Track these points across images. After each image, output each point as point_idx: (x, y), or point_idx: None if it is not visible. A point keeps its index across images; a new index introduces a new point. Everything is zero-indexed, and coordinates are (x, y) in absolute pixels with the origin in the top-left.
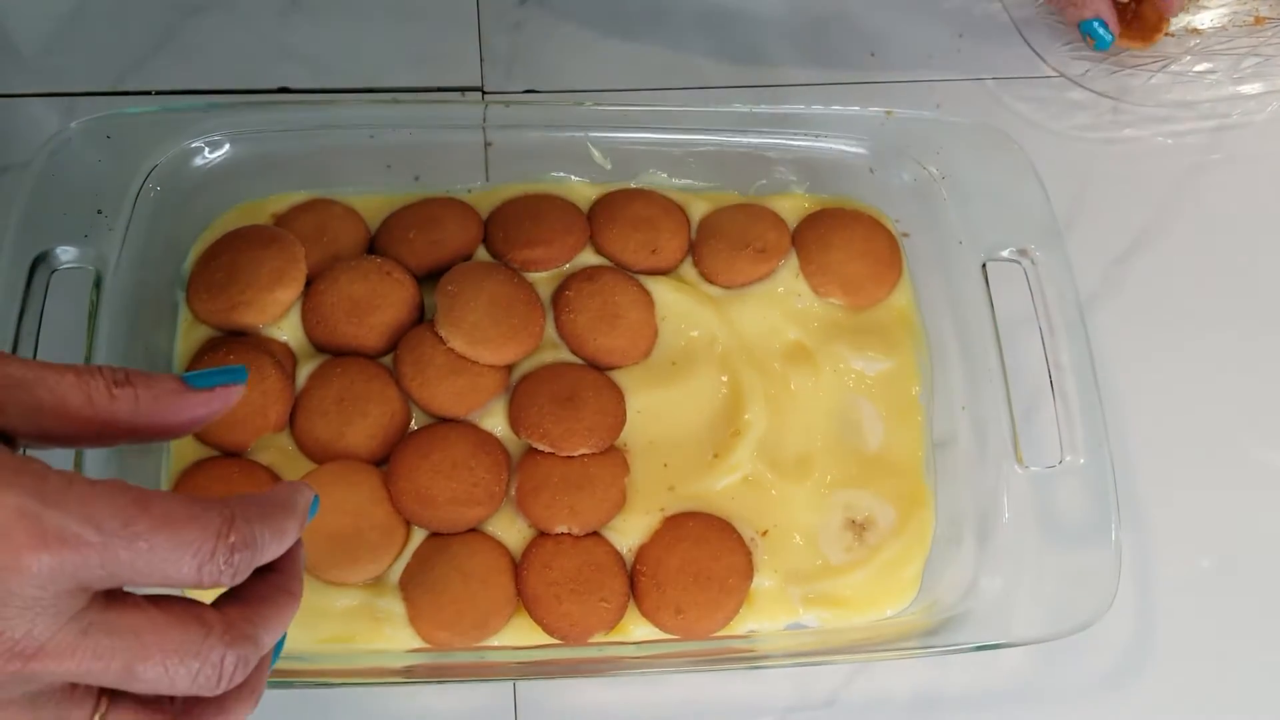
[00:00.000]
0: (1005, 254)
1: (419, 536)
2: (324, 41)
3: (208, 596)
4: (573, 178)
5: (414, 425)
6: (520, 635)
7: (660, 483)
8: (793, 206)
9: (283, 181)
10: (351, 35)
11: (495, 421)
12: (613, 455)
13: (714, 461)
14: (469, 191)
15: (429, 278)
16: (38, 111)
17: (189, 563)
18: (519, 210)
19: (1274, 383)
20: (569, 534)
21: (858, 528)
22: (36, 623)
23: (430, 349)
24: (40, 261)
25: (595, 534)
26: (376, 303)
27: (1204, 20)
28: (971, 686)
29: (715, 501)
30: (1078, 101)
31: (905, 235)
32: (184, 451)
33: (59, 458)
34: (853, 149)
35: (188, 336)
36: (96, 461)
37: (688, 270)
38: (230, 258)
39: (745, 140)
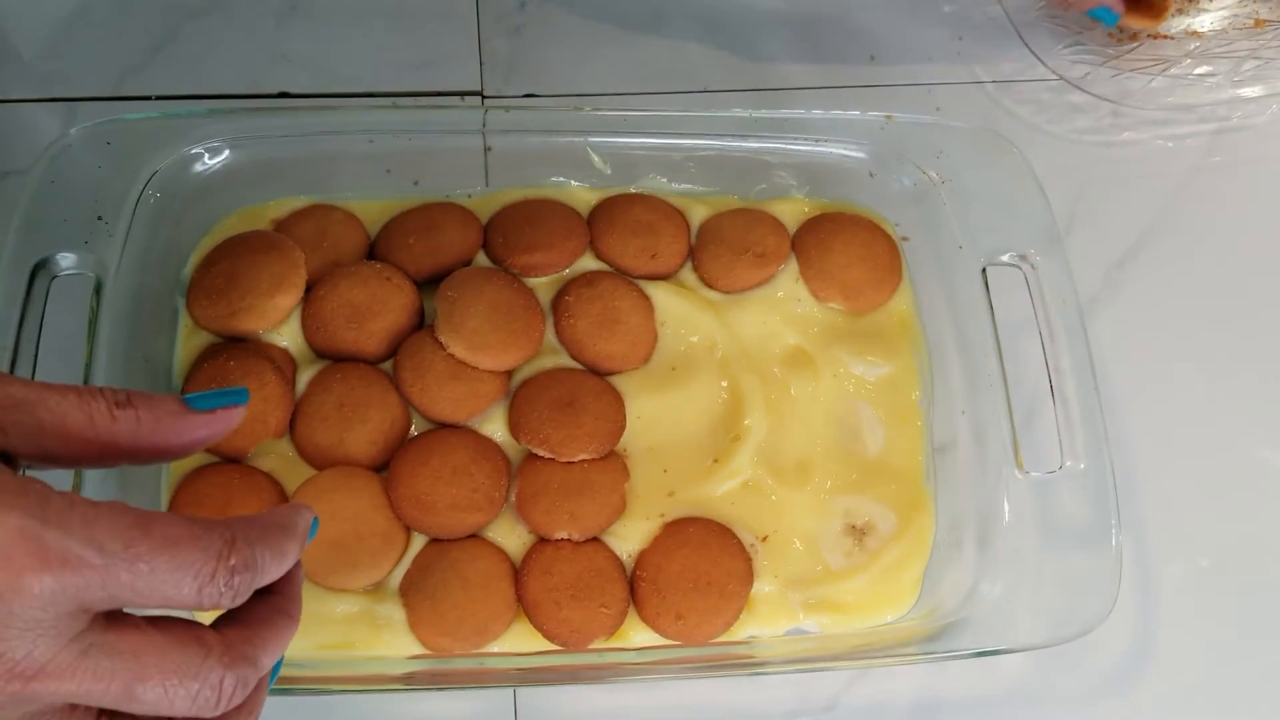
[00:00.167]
0: (1005, 258)
1: (419, 542)
2: (323, 46)
3: (207, 617)
4: (572, 183)
5: (414, 431)
6: (520, 641)
7: (660, 488)
8: (792, 211)
9: (283, 187)
10: (350, 39)
11: (495, 427)
12: (613, 461)
13: (714, 467)
14: (469, 196)
15: (429, 283)
16: (37, 117)
17: (189, 584)
18: (519, 215)
19: (1275, 385)
20: (569, 540)
21: (858, 533)
22: (37, 644)
23: (430, 355)
24: (40, 268)
25: (595, 540)
26: (376, 308)
27: (1204, 23)
28: (972, 691)
29: (715, 507)
30: (1078, 105)
31: (905, 239)
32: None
33: (59, 474)
34: (853, 153)
35: (188, 343)
36: (97, 471)
37: (687, 275)
38: (230, 264)
39: (745, 145)
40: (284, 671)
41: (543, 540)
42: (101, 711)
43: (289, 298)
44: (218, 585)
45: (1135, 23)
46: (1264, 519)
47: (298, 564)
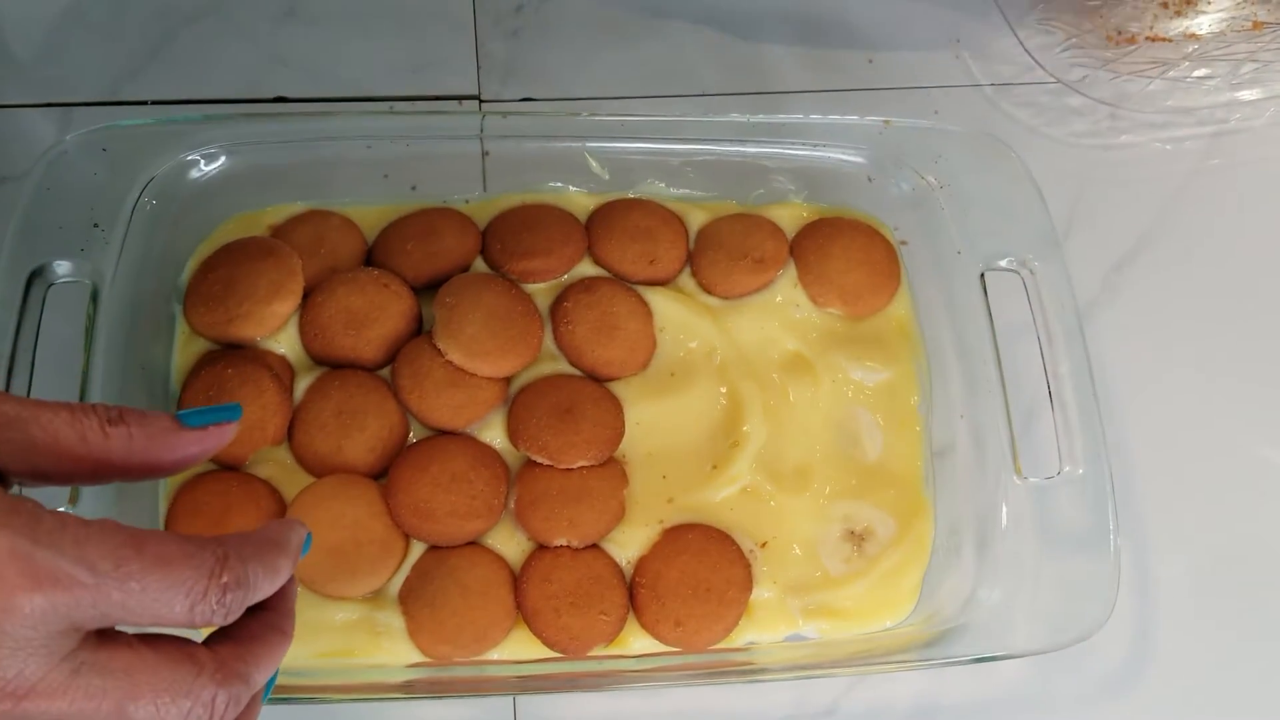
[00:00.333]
0: (1004, 263)
1: (418, 550)
2: (320, 49)
3: (200, 634)
4: (570, 188)
5: (412, 438)
6: (520, 648)
7: (659, 495)
8: (791, 216)
9: (279, 193)
10: (347, 43)
11: (494, 434)
12: (611, 467)
13: (713, 473)
14: (466, 202)
15: (427, 289)
16: (33, 122)
17: (181, 603)
18: (517, 221)
19: (1275, 388)
20: (568, 547)
21: (857, 538)
22: (29, 663)
23: (428, 361)
24: (37, 275)
25: (594, 546)
26: (374, 315)
27: (1202, 25)
28: (970, 695)
29: (714, 513)
30: (1075, 108)
31: (904, 243)
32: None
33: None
34: (851, 158)
35: (185, 349)
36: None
37: (686, 281)
38: (227, 270)
39: (743, 150)
40: (284, 680)
41: (542, 547)
42: None
43: (286, 304)
44: (210, 603)
45: None
46: (1263, 522)
47: (291, 580)
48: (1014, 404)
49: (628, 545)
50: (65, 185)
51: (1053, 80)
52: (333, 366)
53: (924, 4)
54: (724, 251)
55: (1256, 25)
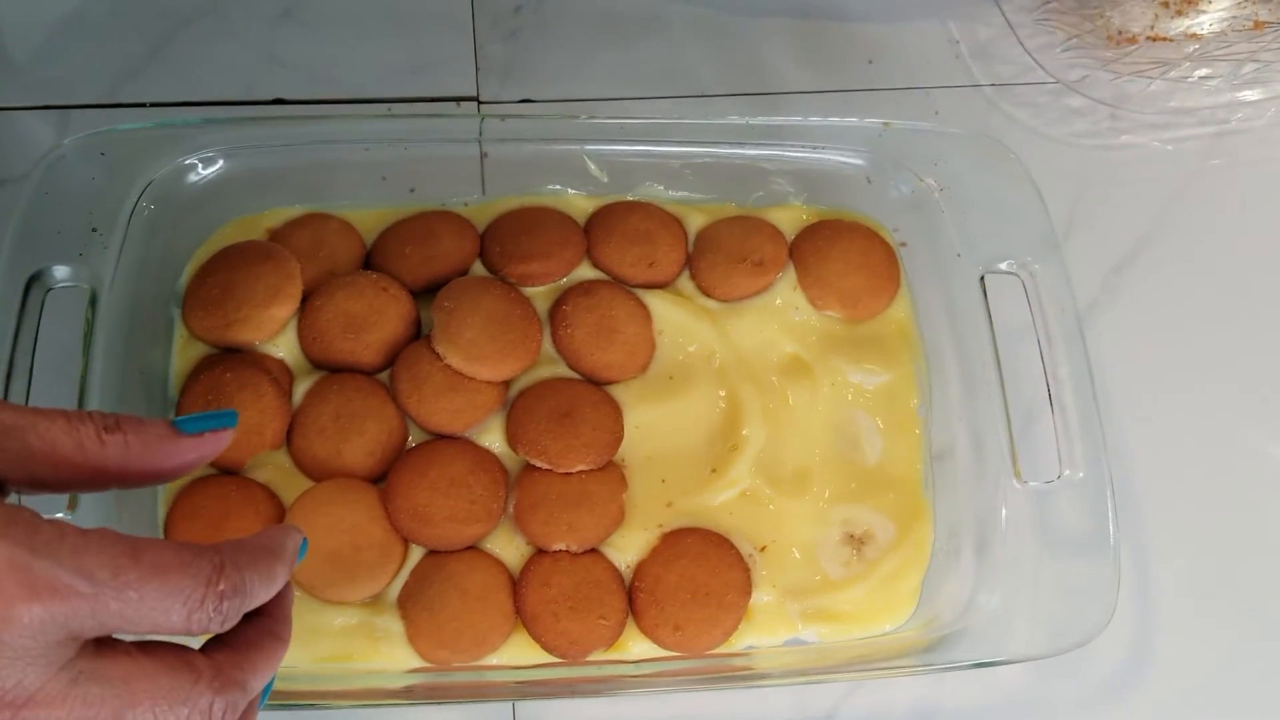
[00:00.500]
0: (1003, 266)
1: (417, 554)
2: (318, 51)
3: (196, 640)
4: (569, 190)
5: (411, 442)
6: (519, 653)
7: (658, 498)
8: (790, 218)
9: (278, 196)
10: (345, 44)
11: (493, 438)
12: (611, 471)
13: (712, 477)
14: (465, 205)
15: (425, 293)
16: (31, 124)
17: (179, 611)
18: (515, 224)
19: (1275, 391)
20: (567, 551)
21: (856, 542)
22: (27, 672)
23: (427, 365)
24: (35, 280)
25: (594, 551)
26: (373, 319)
27: (1203, 25)
28: (970, 700)
29: (713, 517)
30: (1076, 108)
31: (903, 245)
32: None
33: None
34: (850, 160)
35: (183, 354)
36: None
37: (685, 284)
38: (226, 274)
39: (742, 152)
40: (282, 685)
41: (541, 551)
42: None
43: (285, 308)
44: (207, 611)
45: None
46: (1263, 525)
47: (287, 586)
48: (1013, 407)
49: (627, 549)
50: (63, 189)
51: (1053, 81)
52: (331, 370)
53: (924, 4)
54: (723, 254)
55: (1258, 25)
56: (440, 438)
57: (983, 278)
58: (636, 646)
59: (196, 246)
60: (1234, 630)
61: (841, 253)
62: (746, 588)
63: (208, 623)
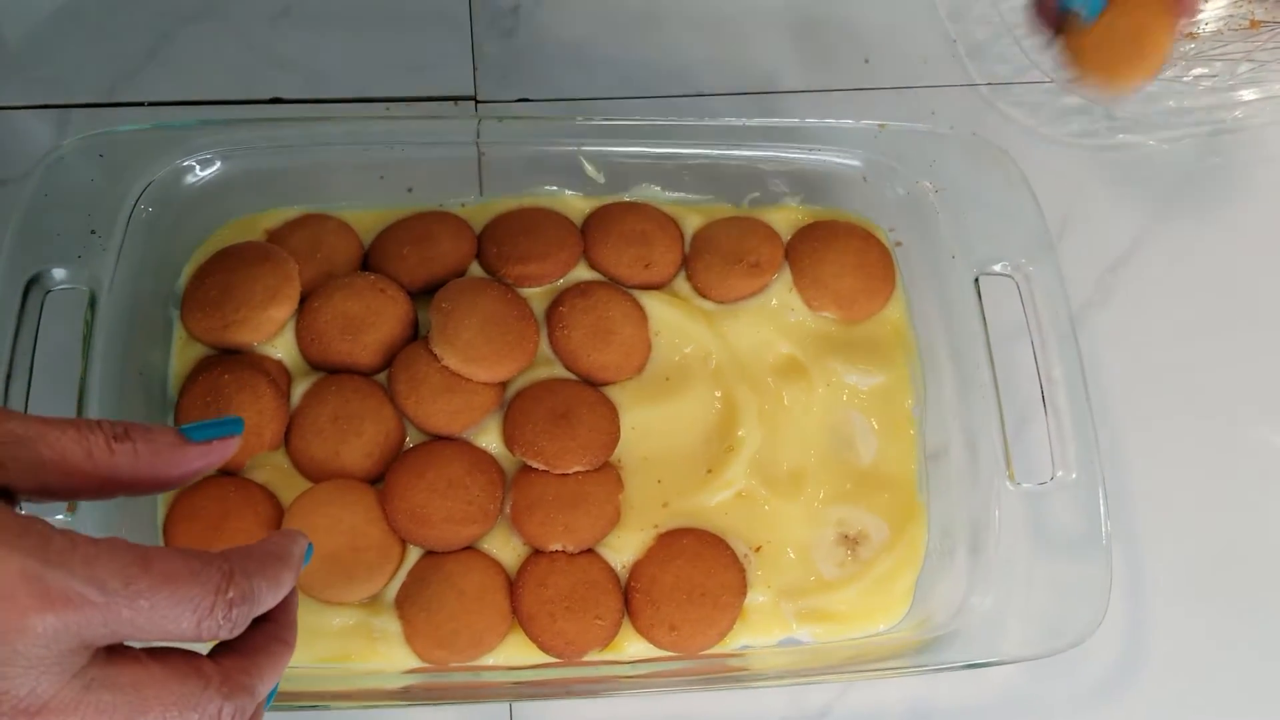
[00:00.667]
0: (998, 268)
1: (414, 555)
2: (316, 50)
3: (204, 646)
4: (566, 191)
5: (409, 443)
6: (516, 653)
7: (654, 499)
8: (786, 219)
9: (276, 197)
10: (344, 43)
11: (490, 439)
12: (607, 472)
13: (708, 477)
14: (462, 205)
15: (423, 293)
16: (29, 123)
17: (189, 618)
18: (512, 225)
19: (1269, 392)
20: (564, 551)
21: (850, 542)
22: (40, 681)
23: (425, 367)
24: (34, 283)
25: (590, 551)
26: (371, 320)
27: (1199, 24)
28: (963, 699)
29: (709, 517)
30: (1072, 108)
31: (898, 244)
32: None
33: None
34: (846, 161)
35: (182, 355)
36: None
37: (681, 285)
38: (224, 276)
39: (738, 153)
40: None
41: (538, 552)
42: None
43: (283, 310)
44: (216, 618)
45: (1123, 76)
46: (1257, 524)
47: (293, 591)
48: (1007, 408)
49: (623, 550)
50: (62, 191)
51: (1049, 80)
52: (329, 371)
53: (920, 3)
54: (719, 255)
55: (1254, 24)
56: (438, 439)
57: (977, 279)
58: (632, 647)
59: (195, 248)
60: (1226, 630)
61: (837, 254)
62: (741, 588)
63: (217, 630)
